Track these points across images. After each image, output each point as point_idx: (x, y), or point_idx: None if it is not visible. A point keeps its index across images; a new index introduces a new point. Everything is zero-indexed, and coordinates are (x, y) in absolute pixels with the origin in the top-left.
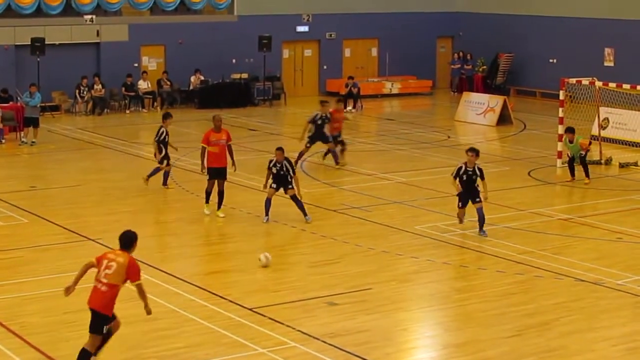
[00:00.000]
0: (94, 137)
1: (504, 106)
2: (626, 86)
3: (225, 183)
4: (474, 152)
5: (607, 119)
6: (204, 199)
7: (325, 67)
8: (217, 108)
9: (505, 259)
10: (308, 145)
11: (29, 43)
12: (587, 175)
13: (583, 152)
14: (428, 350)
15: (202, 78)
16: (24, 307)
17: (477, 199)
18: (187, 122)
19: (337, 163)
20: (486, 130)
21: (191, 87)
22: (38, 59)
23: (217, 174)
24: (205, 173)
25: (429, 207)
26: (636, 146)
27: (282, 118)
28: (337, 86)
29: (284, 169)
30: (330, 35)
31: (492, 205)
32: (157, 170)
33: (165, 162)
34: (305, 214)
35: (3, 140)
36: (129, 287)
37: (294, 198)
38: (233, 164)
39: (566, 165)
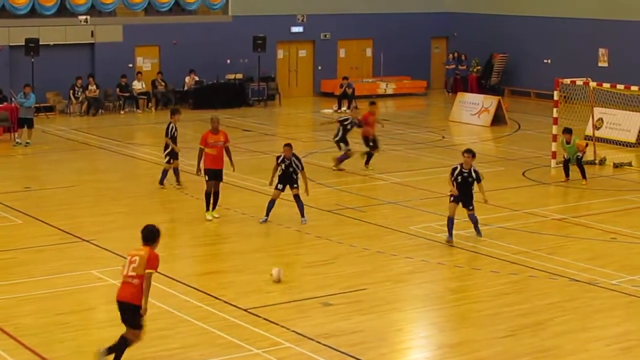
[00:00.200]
0: (89, 138)
1: (499, 106)
2: (620, 86)
3: (220, 184)
4: (471, 153)
5: (601, 119)
6: (198, 199)
7: (319, 67)
8: (212, 109)
9: (500, 259)
10: (349, 149)
11: (23, 44)
12: (583, 176)
13: (580, 154)
14: (422, 350)
15: (197, 78)
16: (19, 308)
17: (470, 207)
18: (181, 123)
19: (336, 165)
20: (480, 130)
21: (186, 88)
22: (32, 60)
23: (214, 176)
24: (202, 175)
25: (424, 207)
26: (630, 146)
27: (276, 118)
28: (332, 87)
29: (293, 165)
30: (325, 35)
31: (486, 206)
32: (165, 172)
33: (170, 159)
34: (302, 215)
35: None
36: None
37: (297, 197)
38: (231, 164)
39: (561, 165)
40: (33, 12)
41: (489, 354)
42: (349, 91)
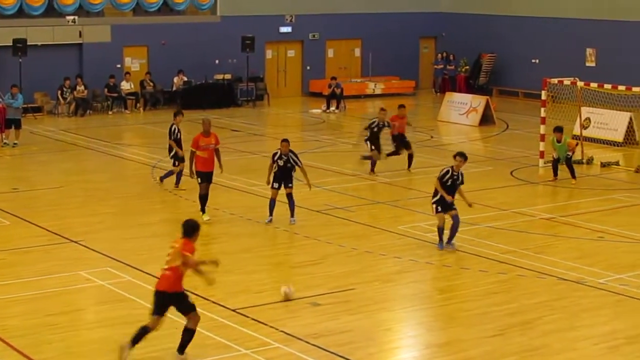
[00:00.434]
0: (77, 139)
1: (487, 106)
2: (607, 86)
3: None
4: (463, 157)
5: (589, 118)
6: (187, 200)
7: (308, 67)
8: (200, 109)
9: (488, 259)
10: (373, 148)
11: (11, 44)
12: (573, 175)
13: (570, 153)
14: (411, 350)
15: (185, 79)
16: (6, 309)
17: (453, 207)
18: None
19: (372, 171)
20: (469, 130)
21: (174, 88)
22: (20, 60)
23: (207, 178)
24: (195, 177)
25: (412, 207)
26: (617, 146)
27: (265, 119)
28: (321, 87)
29: (291, 161)
30: (314, 35)
31: (474, 205)
32: (170, 173)
33: (175, 161)
34: (292, 215)
35: None
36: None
37: (289, 196)
38: (220, 166)
39: (549, 165)
40: (21, 12)
41: (477, 353)
42: (338, 91)
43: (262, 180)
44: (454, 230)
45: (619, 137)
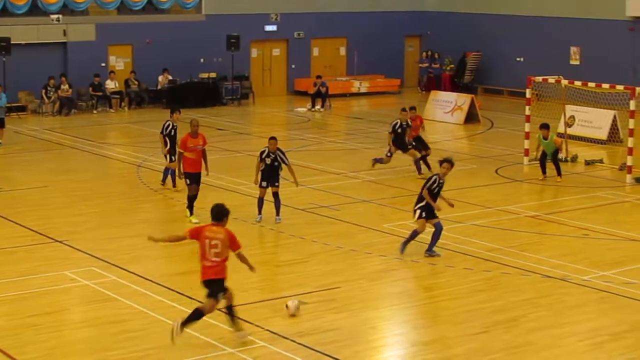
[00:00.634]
0: (61, 138)
1: (472, 104)
2: (591, 84)
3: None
4: (450, 163)
5: (573, 116)
6: (172, 199)
7: (293, 66)
8: (185, 108)
9: (473, 257)
10: (389, 154)
11: None
12: (559, 173)
13: (560, 150)
14: (396, 348)
15: (170, 77)
16: None
17: (437, 214)
18: (154, 122)
19: (419, 173)
20: (454, 128)
21: (159, 87)
22: (4, 59)
23: (195, 179)
24: (184, 178)
25: (398, 205)
26: (601, 143)
27: (250, 117)
28: (306, 85)
29: (278, 159)
30: (299, 34)
31: (460, 204)
32: (167, 172)
33: (172, 157)
34: (277, 214)
35: None
36: (96, 291)
37: (276, 195)
38: (206, 168)
39: (534, 162)
40: (5, 11)
41: (463, 350)
42: (323, 90)
43: (248, 179)
44: (436, 237)
45: (603, 135)
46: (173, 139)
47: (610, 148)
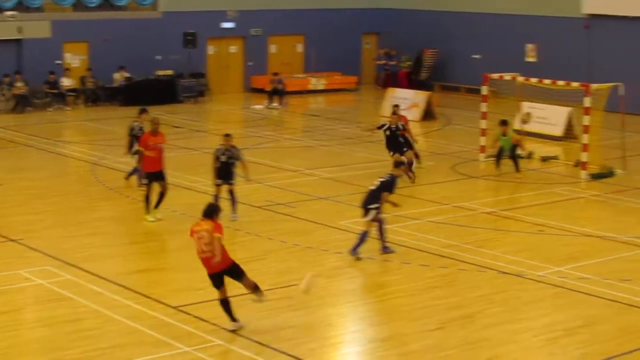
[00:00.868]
0: (16, 136)
1: (429, 102)
2: (547, 81)
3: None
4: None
5: (529, 113)
6: (128, 197)
7: (250, 63)
8: (142, 105)
9: (429, 253)
10: (392, 153)
11: None
12: (517, 169)
13: (519, 147)
14: (353, 345)
15: (127, 75)
16: None
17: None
18: (110, 120)
19: (409, 177)
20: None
21: (115, 84)
22: None
23: (155, 178)
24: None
25: (354, 202)
26: (557, 140)
27: (207, 115)
28: (263, 82)
29: (233, 156)
30: (256, 31)
31: (416, 200)
32: (135, 170)
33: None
34: (233, 212)
35: None
36: (52, 290)
37: (231, 193)
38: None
39: (490, 159)
40: None
41: (419, 347)
42: (280, 87)
43: (204, 177)
44: (384, 231)
45: (559, 131)
46: (136, 139)
47: (566, 145)
